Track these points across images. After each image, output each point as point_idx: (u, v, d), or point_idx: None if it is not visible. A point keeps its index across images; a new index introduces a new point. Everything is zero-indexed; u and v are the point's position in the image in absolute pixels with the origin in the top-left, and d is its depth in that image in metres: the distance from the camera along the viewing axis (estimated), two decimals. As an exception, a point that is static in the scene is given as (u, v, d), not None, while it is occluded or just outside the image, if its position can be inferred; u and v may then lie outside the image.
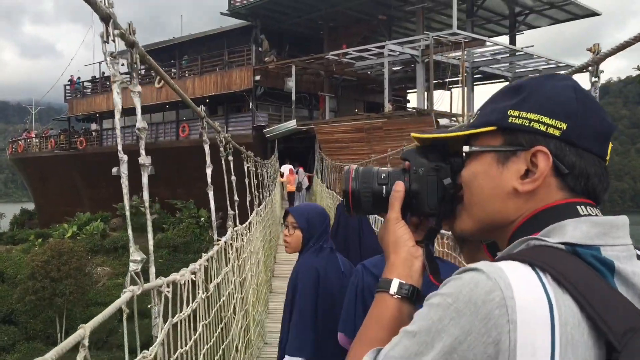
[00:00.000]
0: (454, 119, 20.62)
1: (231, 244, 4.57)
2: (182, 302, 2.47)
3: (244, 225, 5.86)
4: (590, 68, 2.42)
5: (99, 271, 22.86)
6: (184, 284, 2.49)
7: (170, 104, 27.62)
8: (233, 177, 5.14)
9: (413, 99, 24.19)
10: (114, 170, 31.99)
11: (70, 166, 34.31)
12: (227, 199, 4.99)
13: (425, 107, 22.55)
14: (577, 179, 0.85)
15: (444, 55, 21.76)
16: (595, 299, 0.71)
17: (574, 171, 0.85)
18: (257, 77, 25.47)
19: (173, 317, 2.29)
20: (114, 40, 1.73)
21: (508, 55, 23.40)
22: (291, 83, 24.67)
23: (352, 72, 25.89)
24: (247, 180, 7.27)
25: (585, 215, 0.83)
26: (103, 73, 36.03)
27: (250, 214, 6.94)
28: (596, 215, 0.83)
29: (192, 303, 2.65)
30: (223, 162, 4.72)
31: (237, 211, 5.04)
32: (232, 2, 26.55)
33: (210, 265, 3.50)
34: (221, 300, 3.80)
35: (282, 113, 26.40)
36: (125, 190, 1.86)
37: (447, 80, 22.25)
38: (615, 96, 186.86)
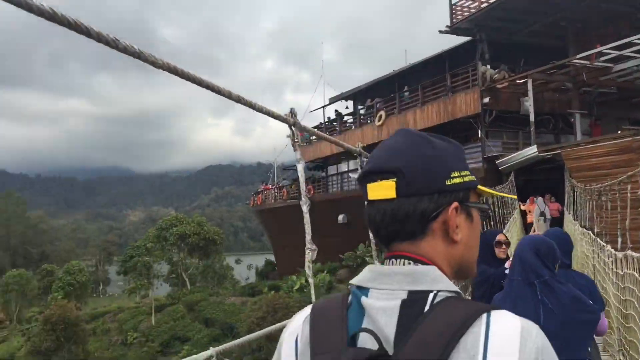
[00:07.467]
0: None
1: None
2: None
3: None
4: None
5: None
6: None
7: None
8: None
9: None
10: (340, 217, 30.40)
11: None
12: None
13: None
14: None
15: None
16: (318, 327, 1.00)
17: None
18: (486, 100, 21.62)
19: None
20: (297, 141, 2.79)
21: None
22: (528, 103, 20.28)
23: (610, 81, 20.49)
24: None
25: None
26: (329, 118, 35.51)
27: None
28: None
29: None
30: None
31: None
32: (453, 16, 23.35)
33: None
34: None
35: (519, 140, 21.86)
36: (308, 238, 2.69)
37: None
38: None
